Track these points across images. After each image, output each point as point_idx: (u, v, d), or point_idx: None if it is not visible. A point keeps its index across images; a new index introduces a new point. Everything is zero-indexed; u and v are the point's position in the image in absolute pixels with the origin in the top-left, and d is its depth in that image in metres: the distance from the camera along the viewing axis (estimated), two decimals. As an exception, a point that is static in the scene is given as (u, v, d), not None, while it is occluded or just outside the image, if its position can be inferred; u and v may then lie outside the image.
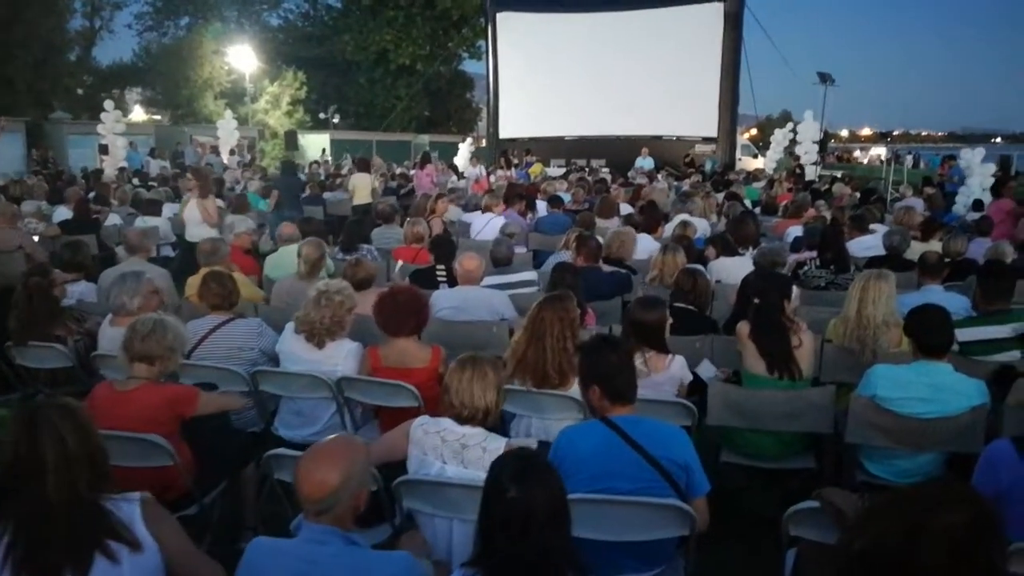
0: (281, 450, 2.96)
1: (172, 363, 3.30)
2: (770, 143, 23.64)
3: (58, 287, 4.89)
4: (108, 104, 19.97)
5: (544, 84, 23.49)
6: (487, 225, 8.53)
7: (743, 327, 3.84)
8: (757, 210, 10.55)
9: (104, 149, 19.80)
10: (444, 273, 5.52)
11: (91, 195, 11.03)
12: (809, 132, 19.98)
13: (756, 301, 3.91)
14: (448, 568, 2.49)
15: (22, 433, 1.99)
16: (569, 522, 1.92)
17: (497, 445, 2.59)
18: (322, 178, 16.77)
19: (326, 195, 13.21)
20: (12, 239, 7.58)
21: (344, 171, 19.10)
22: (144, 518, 2.05)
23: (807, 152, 19.92)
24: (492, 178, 17.44)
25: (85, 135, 22.01)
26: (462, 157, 22.20)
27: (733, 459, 3.71)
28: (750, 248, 6.30)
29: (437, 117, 39.55)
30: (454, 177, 18.38)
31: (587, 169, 19.53)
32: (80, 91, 33.24)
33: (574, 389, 3.42)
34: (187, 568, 2.11)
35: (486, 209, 9.02)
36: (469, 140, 24.54)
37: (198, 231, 8.50)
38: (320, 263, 5.24)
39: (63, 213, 9.73)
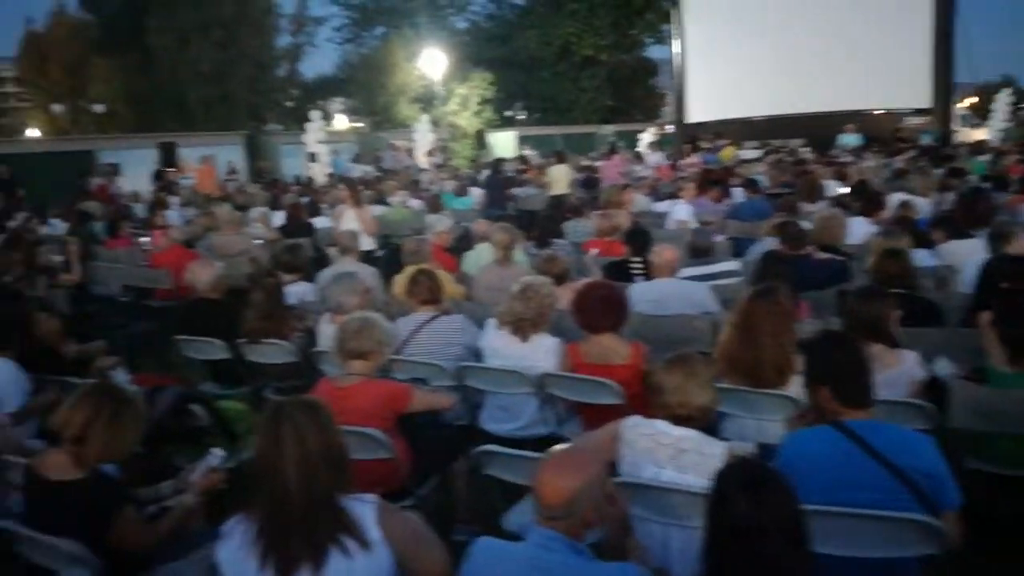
0: (491, 447, 2.99)
1: (383, 357, 3.43)
2: (990, 112, 21.20)
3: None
4: (314, 115, 21.55)
5: (733, 63, 22.43)
6: (678, 213, 8.28)
7: (986, 317, 3.40)
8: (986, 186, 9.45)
9: (312, 157, 21.38)
10: (640, 265, 5.39)
11: (305, 200, 11.91)
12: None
13: (1004, 286, 3.45)
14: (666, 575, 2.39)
15: (266, 429, 2.08)
16: (808, 539, 1.75)
17: (715, 449, 2.45)
18: (509, 174, 17.11)
19: (515, 191, 13.47)
20: (238, 244, 8.35)
21: (532, 166, 19.37)
22: (378, 520, 2.08)
23: (1038, 118, 17.69)
24: (682, 163, 16.95)
25: (295, 145, 23.85)
26: (644, 145, 21.83)
27: (980, 467, 3.30)
28: (983, 228, 5.63)
29: (621, 106, 39.17)
30: (640, 166, 18.08)
31: (785, 150, 18.48)
32: (289, 104, 36.14)
33: (792, 388, 3.20)
34: (421, 565, 2.14)
35: (676, 197, 8.76)
36: (652, 128, 24.04)
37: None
38: (512, 246, 5.31)
39: (280, 218, 10.57)
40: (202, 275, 5.20)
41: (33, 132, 38.31)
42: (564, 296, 4.01)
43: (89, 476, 2.53)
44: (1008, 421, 3.14)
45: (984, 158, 13.58)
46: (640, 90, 40.90)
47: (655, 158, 17.80)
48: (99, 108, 34.33)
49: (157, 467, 3.88)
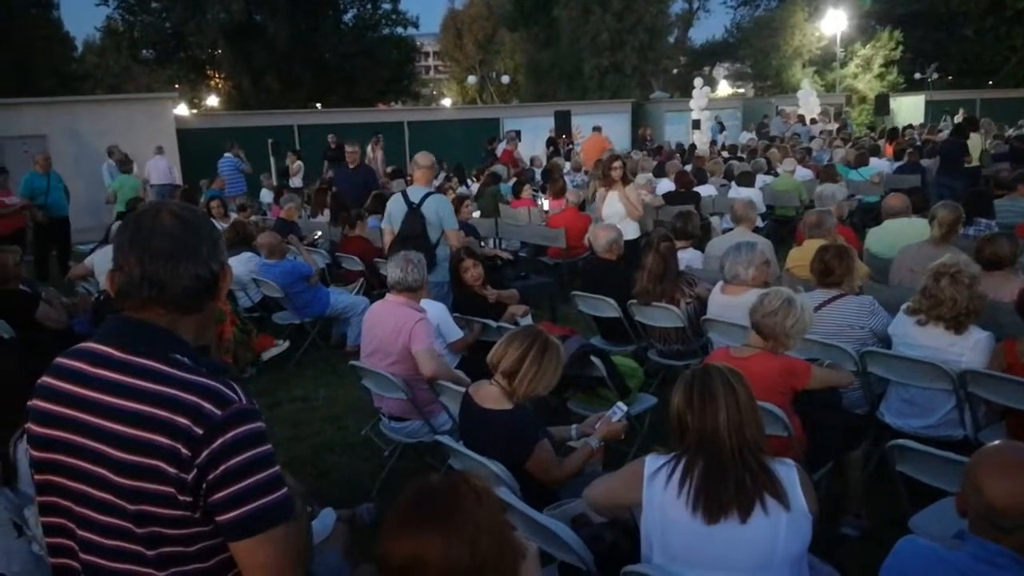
0: (907, 442, 2.73)
1: (794, 343, 3.28)
2: None
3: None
4: (697, 81, 21.42)
5: None
6: None
7: None
8: None
9: (696, 124, 21.31)
10: (1104, 257, 4.47)
11: (688, 167, 11.93)
12: None
13: None
14: None
15: (699, 384, 2.21)
16: None
17: None
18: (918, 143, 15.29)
19: (924, 162, 12.01)
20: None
21: (943, 133, 17.12)
22: (800, 483, 2.11)
23: None
24: None
25: (679, 111, 23.98)
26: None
27: None
28: None
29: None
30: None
31: None
32: (675, 71, 36.40)
33: None
34: None
35: None
36: None
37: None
38: (956, 227, 4.75)
39: (667, 185, 10.71)
40: (601, 236, 5.49)
41: (446, 101, 43.83)
42: (1004, 284, 3.48)
43: (516, 408, 2.85)
44: None
45: None
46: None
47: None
48: (505, 79, 38.02)
49: (560, 410, 4.27)
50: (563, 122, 20.03)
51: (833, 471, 3.46)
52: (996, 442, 1.90)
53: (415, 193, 5.69)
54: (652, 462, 2.23)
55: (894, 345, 3.73)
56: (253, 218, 9.15)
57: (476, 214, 9.25)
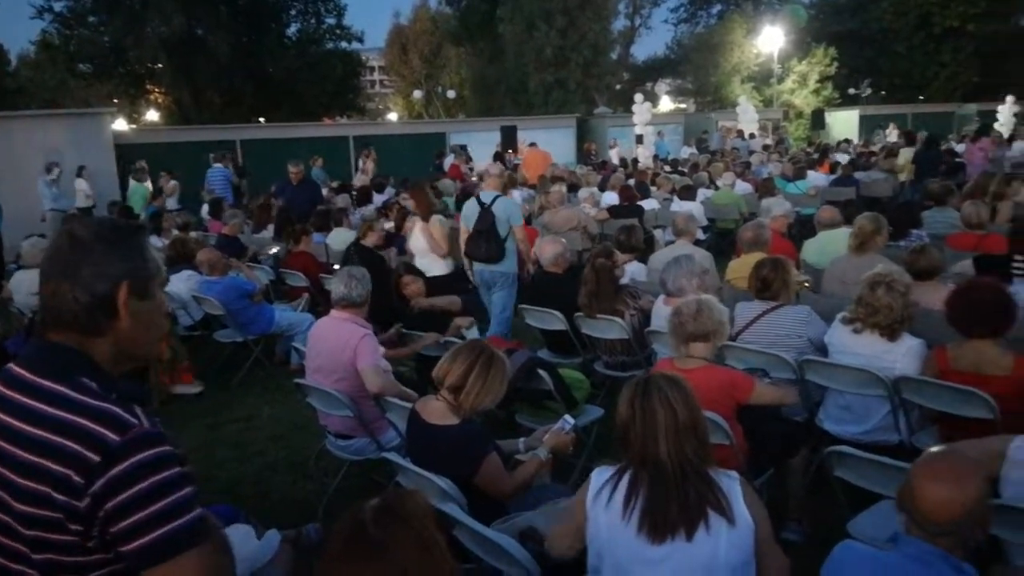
0: (845, 448, 2.81)
1: (722, 338, 3.37)
2: None
3: (618, 267, 5.42)
4: (638, 97, 21.76)
5: None
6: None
7: None
8: None
9: (639, 139, 21.64)
10: (1024, 265, 4.68)
11: (631, 182, 12.10)
12: None
13: None
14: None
15: (637, 399, 2.19)
16: None
17: None
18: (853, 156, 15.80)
19: (858, 174, 12.41)
20: (572, 219, 8.81)
21: (877, 148, 17.72)
22: (743, 495, 2.11)
23: None
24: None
25: (622, 127, 24.31)
26: (1006, 121, 18.70)
27: None
28: None
29: (989, 83, 34.21)
30: (1011, 150, 15.64)
31: None
32: (619, 87, 36.94)
33: None
34: (766, 555, 2.11)
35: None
36: (1011, 99, 20.39)
37: (424, 263, 6.60)
38: (874, 237, 4.90)
39: (610, 198, 10.87)
40: (547, 250, 5.53)
41: (392, 116, 43.69)
42: (934, 293, 3.61)
43: (463, 423, 2.85)
44: None
45: None
46: (1017, 63, 35.34)
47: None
48: (451, 94, 38.09)
49: (506, 424, 4.27)
50: (509, 137, 20.18)
51: (774, 477, 3.53)
52: (934, 449, 1.98)
53: (487, 196, 6.42)
54: (597, 478, 2.24)
55: (831, 353, 3.82)
56: (193, 234, 8.96)
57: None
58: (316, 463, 4.55)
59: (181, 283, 6.42)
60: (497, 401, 2.96)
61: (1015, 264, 4.75)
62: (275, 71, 30.28)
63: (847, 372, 3.65)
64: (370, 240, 6.85)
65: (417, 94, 39.85)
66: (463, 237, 6.57)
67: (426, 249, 6.79)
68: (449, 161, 17.49)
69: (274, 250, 8.44)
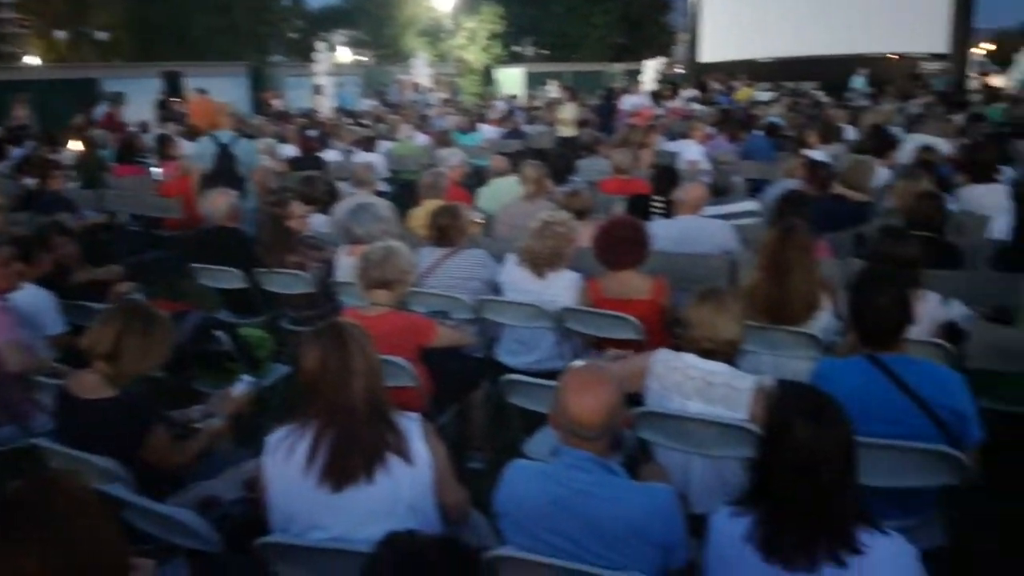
0: (516, 376, 3.02)
1: (406, 287, 3.43)
2: (1010, 59, 20.66)
3: (298, 219, 5.23)
4: (319, 45, 21.13)
5: (747, 2, 22.05)
6: (689, 153, 8.20)
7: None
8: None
9: (318, 89, 21.04)
10: (662, 204, 5.36)
11: (313, 133, 11.77)
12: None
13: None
14: (685, 502, 2.44)
15: (331, 346, 2.14)
16: (857, 466, 1.77)
17: (745, 383, 2.47)
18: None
19: (525, 127, 13.30)
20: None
21: (539, 103, 19.09)
22: (423, 436, 2.17)
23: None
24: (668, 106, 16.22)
25: (300, 77, 23.46)
26: (648, 80, 21.29)
27: (995, 407, 3.33)
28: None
29: (632, 44, 38.41)
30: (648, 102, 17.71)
31: (800, 92, 18.12)
32: (294, 35, 35.43)
33: (813, 325, 3.22)
34: (444, 490, 2.20)
35: (687, 137, 8.70)
36: (655, 61, 23.14)
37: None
38: (543, 182, 5.28)
39: (289, 151, 10.47)
40: (219, 203, 5.17)
41: (32, 59, 37.61)
42: (585, 232, 3.99)
43: (121, 394, 2.57)
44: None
45: (1001, 105, 13.36)
46: (652, 28, 40.05)
47: (635, 100, 16.67)
48: (102, 35, 33.71)
49: (183, 392, 3.95)
50: (174, 84, 18.44)
51: (458, 412, 3.71)
52: (575, 363, 2.19)
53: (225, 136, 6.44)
54: (271, 440, 2.18)
55: (504, 292, 4.08)
56: None
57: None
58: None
59: None
60: (160, 363, 2.72)
61: (653, 204, 5.44)
62: None
63: (519, 308, 3.92)
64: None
65: (59, 34, 34.63)
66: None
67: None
68: (102, 111, 15.53)
69: None
